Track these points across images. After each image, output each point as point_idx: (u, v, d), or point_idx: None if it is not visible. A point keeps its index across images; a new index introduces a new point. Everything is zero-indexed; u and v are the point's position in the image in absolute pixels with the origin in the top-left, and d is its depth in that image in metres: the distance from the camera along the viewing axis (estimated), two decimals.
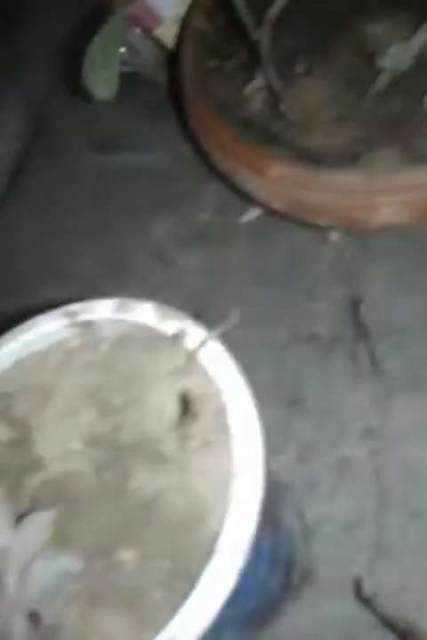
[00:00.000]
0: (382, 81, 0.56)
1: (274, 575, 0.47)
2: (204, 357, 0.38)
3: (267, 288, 0.69)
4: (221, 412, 0.36)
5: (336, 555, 0.56)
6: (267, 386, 0.65)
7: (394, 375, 0.60)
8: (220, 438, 0.35)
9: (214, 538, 0.33)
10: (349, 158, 0.53)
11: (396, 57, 0.54)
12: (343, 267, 0.65)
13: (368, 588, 0.48)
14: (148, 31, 0.83)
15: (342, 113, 0.57)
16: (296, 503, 0.59)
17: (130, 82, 0.94)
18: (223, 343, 0.68)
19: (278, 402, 0.64)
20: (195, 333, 0.39)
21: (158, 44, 0.84)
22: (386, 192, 0.48)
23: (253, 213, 0.71)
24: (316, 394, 0.62)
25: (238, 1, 0.52)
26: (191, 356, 0.38)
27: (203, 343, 0.37)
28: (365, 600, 0.49)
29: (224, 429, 0.35)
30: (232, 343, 0.67)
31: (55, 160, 0.92)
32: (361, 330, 0.62)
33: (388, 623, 0.48)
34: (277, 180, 0.52)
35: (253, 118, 0.60)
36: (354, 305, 0.63)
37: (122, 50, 0.91)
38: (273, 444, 0.62)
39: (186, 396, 0.36)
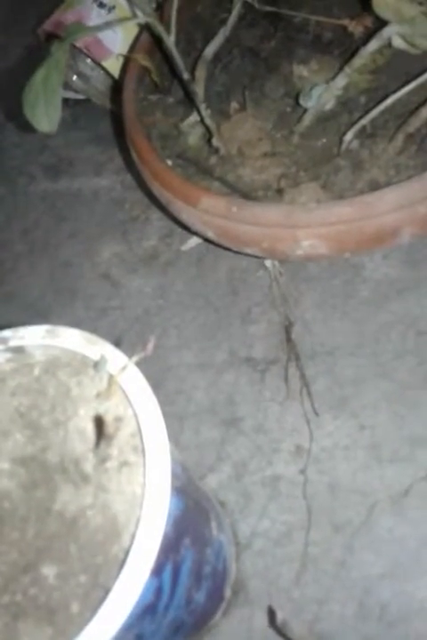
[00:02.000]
0: (307, 120, 0.60)
1: (201, 589, 0.50)
2: (123, 382, 0.40)
3: (207, 312, 0.73)
4: (135, 434, 0.38)
5: (266, 568, 0.59)
6: (204, 407, 0.68)
7: (322, 395, 0.64)
8: (135, 459, 0.38)
9: (126, 553, 0.36)
10: (274, 193, 0.57)
11: (319, 97, 0.59)
12: (278, 292, 0.69)
13: (281, 616, 0.51)
14: (97, 61, 0.86)
15: (271, 149, 0.61)
16: (230, 519, 0.62)
17: (81, 109, 0.98)
18: (157, 366, 0.71)
19: (215, 422, 0.67)
20: (116, 359, 0.41)
21: (108, 73, 0.87)
22: (305, 226, 0.52)
23: (193, 241, 0.75)
24: (251, 414, 0.65)
25: (170, 44, 0.55)
26: (112, 381, 0.40)
27: (123, 368, 0.40)
28: (278, 628, 0.52)
29: (138, 450, 0.38)
30: (172, 365, 0.71)
31: (7, 186, 0.94)
32: (293, 352, 0.66)
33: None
34: (207, 212, 0.55)
35: (189, 152, 0.63)
36: (287, 328, 0.66)
37: (74, 78, 0.95)
38: (209, 463, 0.65)
39: (101, 419, 0.38)
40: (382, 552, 0.56)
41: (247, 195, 0.57)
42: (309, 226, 0.52)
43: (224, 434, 0.66)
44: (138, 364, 0.41)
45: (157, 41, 0.67)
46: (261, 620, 0.58)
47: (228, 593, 0.58)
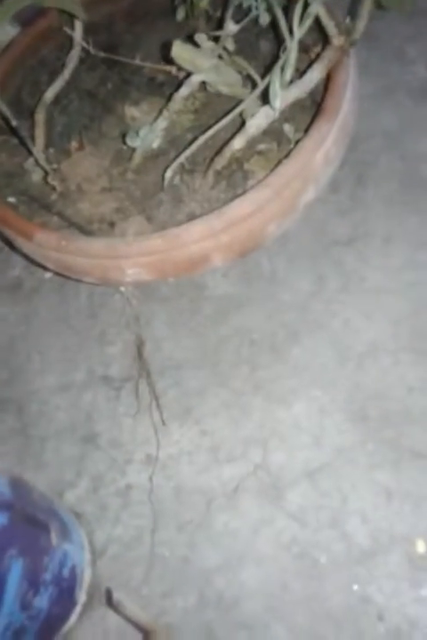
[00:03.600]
0: (137, 158, 0.66)
1: (41, 595, 0.54)
2: None
3: (68, 335, 0.77)
4: None
5: (120, 571, 0.64)
6: (65, 426, 0.73)
7: (169, 406, 0.70)
8: None
9: None
10: (107, 225, 0.63)
11: (145, 137, 0.65)
12: (131, 313, 0.75)
13: (118, 597, 0.56)
14: None
15: (108, 185, 0.66)
16: (86, 529, 0.67)
17: None
18: (21, 391, 0.74)
19: (75, 440, 0.71)
20: None
21: None
22: (126, 257, 0.58)
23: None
24: (107, 429, 0.71)
25: None
26: None
27: None
28: (113, 606, 0.57)
29: None
30: (35, 389, 0.75)
31: None
32: (144, 369, 0.72)
33: (134, 623, 0.57)
34: (42, 246, 0.60)
35: (32, 189, 0.68)
36: (139, 347, 0.72)
37: None
38: (69, 479, 0.70)
39: None
40: (219, 545, 0.63)
41: (83, 228, 0.62)
42: (129, 257, 0.58)
43: (83, 450, 0.71)
44: None
45: None
46: (116, 619, 0.63)
47: (82, 597, 0.63)
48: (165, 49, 0.63)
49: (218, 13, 0.75)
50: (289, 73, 0.57)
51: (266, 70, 0.62)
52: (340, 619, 0.57)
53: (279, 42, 0.61)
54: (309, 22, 0.56)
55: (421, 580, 0.57)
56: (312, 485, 0.63)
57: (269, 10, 0.64)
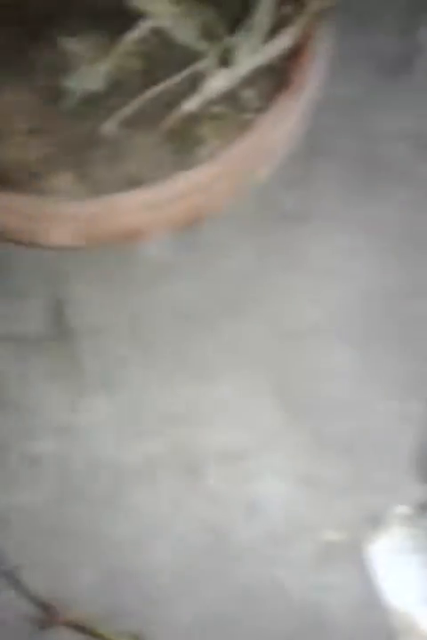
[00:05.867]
0: (72, 100, 0.63)
1: None
2: None
3: None
4: None
5: (22, 541, 0.65)
6: None
7: (89, 374, 0.70)
8: None
9: None
10: (31, 177, 0.60)
11: (84, 78, 0.62)
12: (52, 270, 0.73)
13: (12, 562, 0.57)
14: None
15: (35, 126, 0.63)
16: None
17: None
18: None
19: None
20: None
21: None
22: (53, 219, 0.56)
23: None
24: (16, 392, 0.70)
25: None
26: None
27: None
28: (6, 573, 0.58)
29: None
30: None
31: None
32: (62, 331, 0.70)
33: (29, 596, 0.58)
34: None
35: None
36: (58, 307, 0.71)
37: None
38: None
39: None
40: (130, 520, 0.64)
41: (1, 177, 0.59)
42: (55, 220, 0.56)
43: None
44: None
45: None
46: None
47: None
48: None
49: None
50: (257, 39, 0.55)
51: (233, 22, 0.60)
52: (246, 598, 0.60)
53: None
54: None
55: (327, 565, 0.61)
56: (231, 467, 0.65)
57: None
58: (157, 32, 0.64)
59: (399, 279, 0.72)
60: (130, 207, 0.55)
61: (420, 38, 0.83)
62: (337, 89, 0.81)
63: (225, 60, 0.57)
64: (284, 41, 0.57)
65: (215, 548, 0.61)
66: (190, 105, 0.58)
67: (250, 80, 0.62)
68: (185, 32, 0.61)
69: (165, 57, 0.66)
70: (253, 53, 0.56)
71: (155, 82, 0.62)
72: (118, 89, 0.65)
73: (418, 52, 0.82)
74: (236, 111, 0.62)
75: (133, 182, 0.58)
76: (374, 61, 0.82)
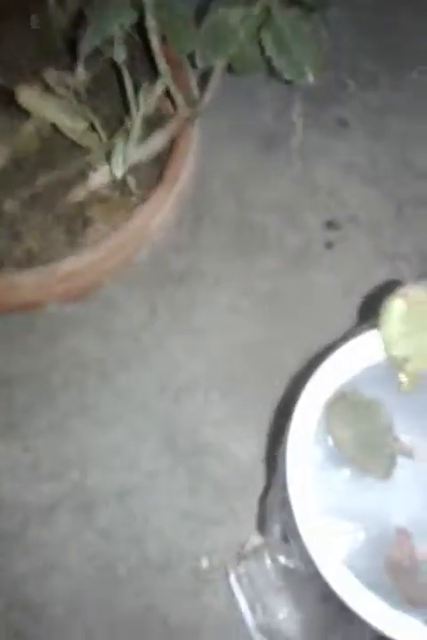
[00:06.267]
0: None
1: None
2: None
3: None
4: None
5: None
6: None
7: None
8: None
9: None
10: None
11: None
12: None
13: None
14: None
15: None
16: None
17: None
18: None
19: None
20: None
21: None
22: None
23: None
24: None
25: None
26: None
27: None
28: None
29: None
30: None
31: None
32: None
33: None
34: None
35: None
36: None
37: None
38: None
39: None
40: (30, 555, 0.73)
41: None
42: None
43: None
44: None
45: None
46: None
47: None
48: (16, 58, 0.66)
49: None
50: (132, 144, 0.65)
51: (116, 123, 0.68)
52: (130, 623, 0.71)
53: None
54: (154, 100, 0.64)
55: (202, 590, 0.73)
56: (121, 505, 0.76)
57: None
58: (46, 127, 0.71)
59: (265, 333, 0.84)
60: (26, 285, 0.63)
61: (293, 117, 0.96)
62: (223, 161, 0.92)
63: (109, 156, 0.66)
64: (157, 141, 0.66)
65: (104, 579, 0.72)
66: (78, 195, 0.67)
67: (134, 168, 0.71)
68: (71, 130, 0.69)
69: (59, 140, 0.73)
70: (130, 152, 0.64)
71: (52, 163, 0.69)
72: (19, 165, 0.71)
73: (292, 129, 0.95)
74: (121, 194, 0.71)
75: (31, 259, 0.66)
76: (255, 136, 0.94)
